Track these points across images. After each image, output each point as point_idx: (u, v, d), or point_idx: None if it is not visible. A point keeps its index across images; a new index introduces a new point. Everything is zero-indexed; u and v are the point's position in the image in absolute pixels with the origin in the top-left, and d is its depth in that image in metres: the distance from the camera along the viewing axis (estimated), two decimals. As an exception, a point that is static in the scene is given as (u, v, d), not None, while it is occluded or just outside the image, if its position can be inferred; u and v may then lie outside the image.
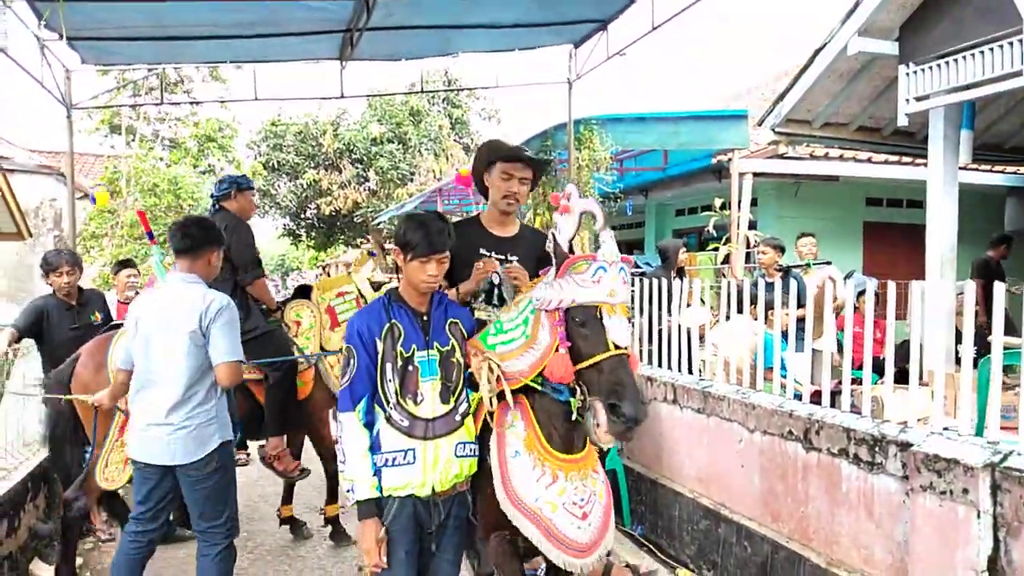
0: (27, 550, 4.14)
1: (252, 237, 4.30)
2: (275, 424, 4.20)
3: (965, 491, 2.52)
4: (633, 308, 4.48)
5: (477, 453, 2.50)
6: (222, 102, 16.21)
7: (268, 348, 4.14)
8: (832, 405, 3.41)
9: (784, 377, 3.79)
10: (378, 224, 18.53)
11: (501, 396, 2.40)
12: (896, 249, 9.23)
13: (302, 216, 22.20)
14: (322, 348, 4.31)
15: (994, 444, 2.59)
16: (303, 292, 4.61)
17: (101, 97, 8.85)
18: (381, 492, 2.36)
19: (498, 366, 2.40)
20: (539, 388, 2.43)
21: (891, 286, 3.33)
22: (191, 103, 18.33)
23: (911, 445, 2.77)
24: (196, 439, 2.99)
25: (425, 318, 2.46)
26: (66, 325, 4.75)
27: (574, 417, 2.37)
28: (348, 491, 2.40)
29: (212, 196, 4.44)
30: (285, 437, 4.30)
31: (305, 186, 19.65)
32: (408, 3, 5.06)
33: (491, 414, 2.44)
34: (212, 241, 3.20)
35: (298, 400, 4.27)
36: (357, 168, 19.73)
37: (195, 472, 3.00)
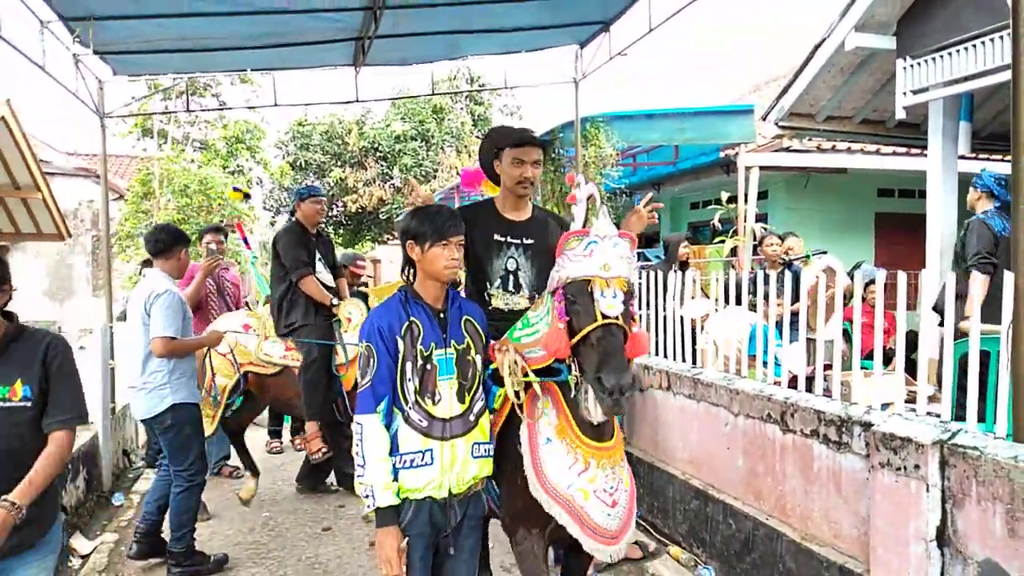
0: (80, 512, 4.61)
1: (293, 241, 4.62)
2: (305, 409, 4.56)
3: (917, 467, 2.69)
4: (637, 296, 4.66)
5: (491, 453, 2.50)
6: (251, 108, 16.55)
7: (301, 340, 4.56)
8: (808, 390, 3.59)
9: (765, 365, 3.97)
10: (401, 221, 18.82)
11: (528, 387, 2.39)
12: (908, 240, 9.21)
13: (330, 214, 22.65)
14: None
15: (946, 423, 2.77)
16: (362, 297, 4.99)
17: (133, 104, 9.30)
18: (399, 496, 2.32)
19: (522, 356, 2.41)
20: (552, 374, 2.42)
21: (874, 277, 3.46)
22: (218, 109, 18.78)
23: (872, 425, 2.96)
24: (152, 398, 3.81)
25: (442, 315, 2.42)
26: None
27: (572, 395, 2.39)
28: (365, 496, 2.30)
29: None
30: (317, 424, 4.59)
31: (332, 184, 20.06)
32: (414, 12, 5.30)
33: (520, 407, 2.44)
34: (177, 241, 4.02)
35: (347, 392, 4.62)
36: (382, 166, 20.09)
37: (157, 426, 3.85)
